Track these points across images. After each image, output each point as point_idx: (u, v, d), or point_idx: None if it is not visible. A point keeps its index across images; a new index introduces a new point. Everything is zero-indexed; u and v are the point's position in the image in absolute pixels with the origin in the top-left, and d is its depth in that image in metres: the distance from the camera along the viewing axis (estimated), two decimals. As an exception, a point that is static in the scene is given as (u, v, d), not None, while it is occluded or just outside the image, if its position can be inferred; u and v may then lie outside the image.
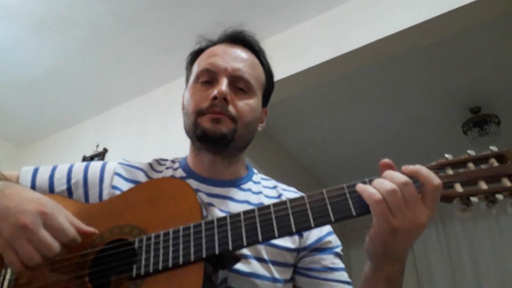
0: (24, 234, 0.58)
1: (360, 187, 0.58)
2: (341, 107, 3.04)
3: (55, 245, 0.59)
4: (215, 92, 0.77)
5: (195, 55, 0.90)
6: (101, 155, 2.81)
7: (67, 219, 0.63)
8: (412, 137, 3.31)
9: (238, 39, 0.88)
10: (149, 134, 2.66)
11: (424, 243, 3.80)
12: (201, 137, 0.79)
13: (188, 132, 0.83)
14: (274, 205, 0.62)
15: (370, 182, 0.59)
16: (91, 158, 2.84)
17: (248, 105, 0.82)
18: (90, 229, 0.66)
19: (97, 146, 2.89)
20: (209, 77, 0.82)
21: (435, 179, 0.56)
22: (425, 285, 3.65)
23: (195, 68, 0.86)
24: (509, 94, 2.86)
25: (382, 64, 2.51)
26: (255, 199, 0.82)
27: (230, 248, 0.60)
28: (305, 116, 3.14)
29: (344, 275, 0.79)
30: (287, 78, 2.25)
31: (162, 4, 2.20)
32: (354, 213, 0.58)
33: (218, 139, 0.77)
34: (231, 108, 0.79)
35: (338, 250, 0.82)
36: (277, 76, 2.40)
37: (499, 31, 2.33)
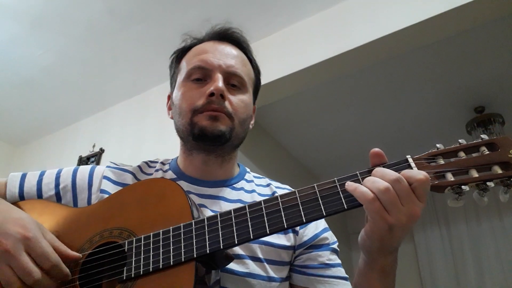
0: (5, 259, 0.57)
1: (350, 186, 0.57)
2: (342, 106, 3.01)
3: (36, 271, 0.58)
4: (211, 88, 0.76)
5: (181, 53, 0.89)
6: (97, 155, 2.77)
7: (50, 243, 0.62)
8: (414, 137, 3.28)
9: (226, 36, 0.87)
10: (147, 133, 2.62)
11: (427, 244, 3.78)
12: (198, 136, 0.77)
13: (181, 132, 0.81)
14: (265, 201, 0.61)
15: (361, 175, 0.59)
16: (88, 158, 2.80)
17: (242, 101, 0.81)
18: (75, 254, 0.64)
19: (94, 146, 2.85)
20: (202, 75, 0.80)
21: (419, 173, 0.55)
22: (428, 286, 3.61)
23: (184, 66, 0.84)
24: (513, 93, 2.83)
25: (384, 63, 2.48)
26: (248, 198, 0.81)
27: (221, 247, 0.59)
28: (306, 116, 3.11)
29: (341, 271, 0.78)
30: (287, 77, 2.23)
31: (159, 1, 2.16)
32: (345, 207, 0.57)
33: (216, 137, 0.76)
34: (227, 105, 0.78)
35: (335, 246, 0.82)
36: (278, 74, 2.37)
37: (503, 30, 2.30)
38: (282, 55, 2.30)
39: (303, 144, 3.45)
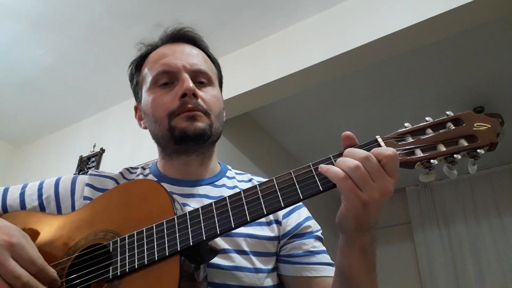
0: None
1: (323, 168, 0.59)
2: (342, 106, 3.02)
3: (24, 275, 0.58)
4: (182, 89, 0.77)
5: (139, 61, 0.89)
6: (98, 155, 2.77)
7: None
8: (414, 137, 3.28)
9: (181, 36, 0.88)
10: (147, 133, 2.62)
11: (426, 243, 3.79)
12: (180, 138, 0.77)
13: (161, 139, 0.81)
14: (244, 191, 0.63)
15: (334, 158, 0.61)
16: (88, 158, 2.81)
17: (214, 96, 0.82)
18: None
19: (94, 146, 2.86)
20: (168, 78, 0.81)
21: (387, 149, 0.57)
22: (427, 285, 3.62)
23: (147, 73, 0.84)
24: (512, 93, 2.84)
25: (383, 64, 2.49)
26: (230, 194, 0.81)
27: (204, 238, 0.60)
28: (305, 116, 3.11)
29: (326, 257, 0.79)
30: (287, 77, 2.23)
31: (160, 2, 2.17)
32: (321, 189, 0.59)
33: (198, 136, 0.77)
34: (201, 102, 0.79)
35: (318, 233, 0.82)
36: (278, 74, 2.38)
37: (502, 30, 2.31)
38: (282, 55, 2.31)
39: (303, 144, 3.46)
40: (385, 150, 0.57)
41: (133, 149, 2.65)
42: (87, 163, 2.79)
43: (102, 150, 2.80)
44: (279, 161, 3.42)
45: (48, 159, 3.15)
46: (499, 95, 2.87)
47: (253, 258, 0.73)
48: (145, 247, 0.62)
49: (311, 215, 0.85)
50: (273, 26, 2.36)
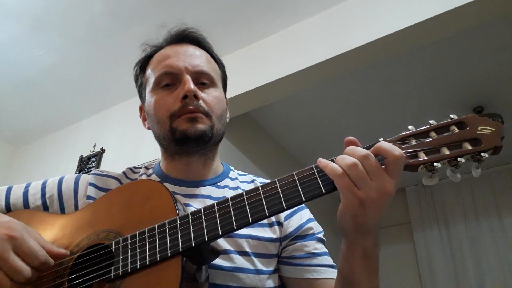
0: None
1: (322, 162, 0.59)
2: (341, 106, 3.02)
3: (26, 269, 0.58)
4: (184, 91, 0.77)
5: (144, 62, 0.89)
6: (98, 155, 2.77)
7: (37, 242, 0.62)
8: (414, 137, 3.28)
9: (185, 37, 0.88)
10: (147, 133, 2.61)
11: (426, 243, 3.79)
12: (181, 140, 0.77)
13: (163, 139, 0.82)
14: (247, 192, 0.63)
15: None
16: (89, 158, 2.81)
17: (215, 97, 0.82)
18: (61, 250, 0.65)
19: (95, 146, 2.86)
20: (170, 80, 0.81)
21: (396, 150, 0.57)
22: (427, 286, 3.62)
23: (150, 75, 0.85)
24: (512, 93, 2.84)
25: (383, 63, 2.49)
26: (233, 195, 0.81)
27: (206, 239, 0.60)
28: (305, 116, 3.11)
29: (328, 259, 0.79)
30: (287, 77, 2.23)
31: (160, 2, 2.17)
32: (323, 191, 0.59)
33: (199, 138, 0.77)
34: (202, 104, 0.79)
35: (320, 235, 0.82)
36: (278, 74, 2.38)
37: (503, 30, 2.31)
38: (282, 55, 2.31)
39: (302, 144, 3.46)
40: (394, 149, 0.57)
41: (133, 149, 2.65)
42: (87, 163, 2.79)
43: (103, 150, 2.80)
44: (278, 161, 3.42)
45: (48, 159, 3.15)
46: (499, 95, 2.87)
47: (255, 259, 0.73)
48: (147, 247, 0.62)
49: (313, 217, 0.85)
50: (273, 26, 2.36)
